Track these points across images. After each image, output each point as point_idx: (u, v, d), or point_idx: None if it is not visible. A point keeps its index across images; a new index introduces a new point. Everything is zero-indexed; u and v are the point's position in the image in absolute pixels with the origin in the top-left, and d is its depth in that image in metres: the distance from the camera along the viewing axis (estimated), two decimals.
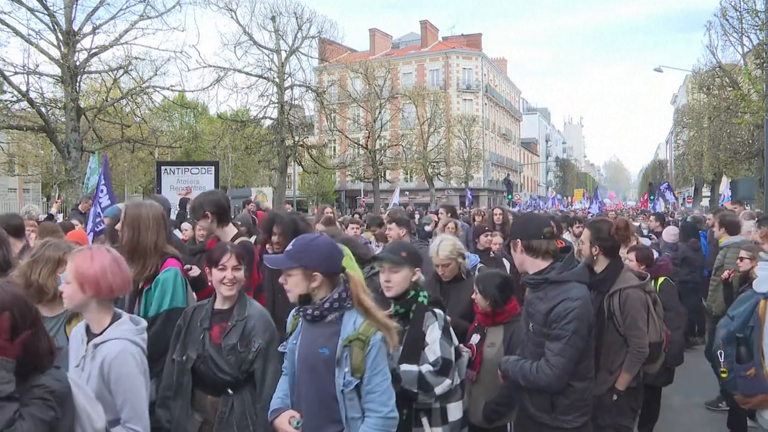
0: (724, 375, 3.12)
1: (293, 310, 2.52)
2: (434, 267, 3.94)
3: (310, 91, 28.77)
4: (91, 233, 6.72)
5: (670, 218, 15.64)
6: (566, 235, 7.12)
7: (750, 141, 26.42)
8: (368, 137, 34.25)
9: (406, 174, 46.05)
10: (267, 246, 4.18)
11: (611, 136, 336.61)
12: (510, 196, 39.96)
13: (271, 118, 27.99)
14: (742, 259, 5.14)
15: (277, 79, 26.68)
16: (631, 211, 27.68)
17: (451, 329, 2.94)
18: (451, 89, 49.13)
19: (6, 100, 16.06)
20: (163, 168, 14.54)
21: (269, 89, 26.62)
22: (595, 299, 3.54)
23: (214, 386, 2.75)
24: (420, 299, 2.91)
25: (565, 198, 49.29)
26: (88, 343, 2.31)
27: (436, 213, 9.09)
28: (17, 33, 15.26)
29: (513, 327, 3.37)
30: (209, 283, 2.96)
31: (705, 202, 36.64)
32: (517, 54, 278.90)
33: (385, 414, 2.28)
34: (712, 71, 26.43)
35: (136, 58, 17.56)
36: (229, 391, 2.74)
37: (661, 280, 4.87)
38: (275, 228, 4.05)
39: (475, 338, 3.47)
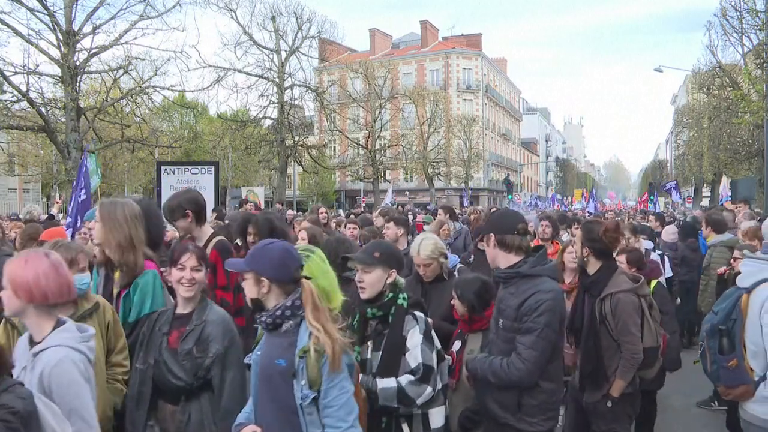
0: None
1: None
2: (415, 266, 3.81)
3: (310, 91, 28.80)
4: (70, 229, 6.56)
5: (670, 218, 15.63)
6: (565, 236, 7.08)
7: (750, 141, 26.42)
8: (368, 137, 34.26)
9: (406, 174, 46.07)
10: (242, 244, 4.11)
11: (611, 136, 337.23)
12: (510, 196, 40.00)
13: (271, 118, 28.02)
14: (735, 259, 5.17)
15: (277, 79, 26.69)
16: (630, 211, 27.71)
17: (433, 333, 2.81)
18: (451, 89, 49.12)
19: (6, 100, 16.07)
20: (163, 168, 14.53)
21: (269, 89, 26.66)
22: (588, 303, 3.51)
23: (170, 393, 2.67)
24: (399, 302, 2.77)
25: (565, 198, 49.25)
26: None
27: (435, 213, 9.08)
28: (17, 33, 15.27)
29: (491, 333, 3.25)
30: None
31: (705, 202, 36.61)
32: (517, 54, 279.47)
33: (344, 430, 2.16)
34: (712, 71, 26.44)
35: (136, 58, 17.60)
36: (183, 398, 2.65)
37: (654, 283, 4.77)
38: (250, 228, 3.97)
39: (456, 345, 3.38)
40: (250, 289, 2.29)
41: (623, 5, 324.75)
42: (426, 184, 39.63)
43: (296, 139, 27.47)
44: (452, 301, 3.42)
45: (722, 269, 5.70)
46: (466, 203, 30.51)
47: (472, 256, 6.15)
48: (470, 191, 40.15)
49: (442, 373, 2.82)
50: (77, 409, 2.03)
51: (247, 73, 26.02)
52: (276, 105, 26.78)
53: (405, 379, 2.63)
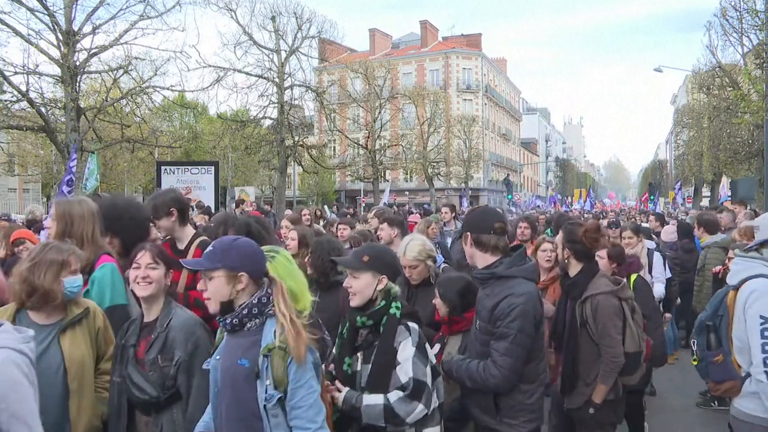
0: (695, 362, 3.20)
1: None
2: (402, 268, 3.66)
3: (310, 91, 28.77)
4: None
5: (669, 218, 15.63)
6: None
7: (750, 141, 26.40)
8: (368, 137, 34.26)
9: (406, 174, 46.09)
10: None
11: (611, 136, 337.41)
12: (510, 196, 40.00)
13: (271, 118, 27.99)
14: (729, 259, 5.18)
15: (277, 79, 26.67)
16: (630, 211, 27.72)
17: (427, 346, 2.62)
18: (451, 89, 49.12)
19: (6, 100, 16.06)
20: (163, 168, 14.58)
21: (269, 89, 26.62)
22: (569, 305, 3.46)
23: (140, 406, 2.57)
24: (392, 311, 2.57)
25: (565, 198, 49.23)
26: None
27: (428, 212, 8.99)
28: (17, 33, 15.26)
29: (470, 336, 3.11)
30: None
31: (705, 202, 36.63)
32: (517, 54, 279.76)
33: (314, 431, 2.09)
34: (712, 71, 26.42)
35: (136, 58, 17.58)
36: (153, 410, 2.54)
37: (633, 277, 4.72)
38: (230, 230, 3.85)
39: (435, 348, 3.23)
40: (220, 290, 2.15)
41: (623, 5, 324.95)
42: (426, 184, 39.63)
43: (296, 139, 27.45)
44: (434, 300, 3.31)
45: (717, 268, 5.72)
46: (465, 203, 30.46)
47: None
48: (470, 191, 40.12)
49: (438, 391, 2.62)
50: (20, 413, 1.83)
51: (247, 73, 26.01)
52: (276, 105, 26.76)
53: (394, 395, 2.44)
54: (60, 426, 2.57)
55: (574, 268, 3.49)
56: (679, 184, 30.45)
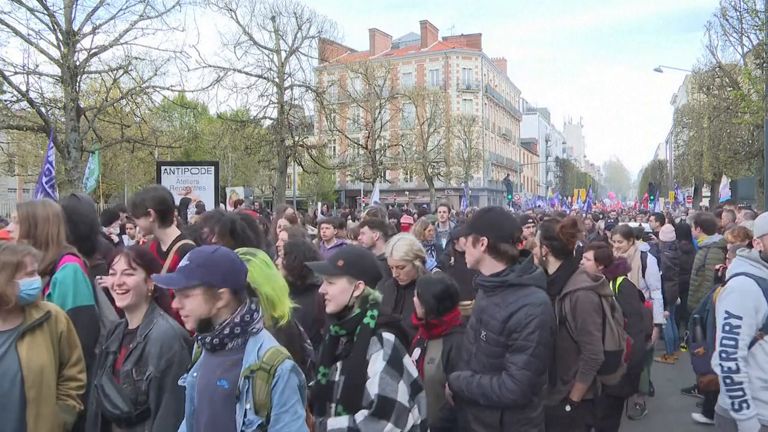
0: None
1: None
2: (390, 269, 3.60)
3: (310, 91, 28.76)
4: None
5: (676, 217, 15.64)
6: None
7: (750, 141, 26.39)
8: (368, 137, 34.25)
9: (406, 174, 46.08)
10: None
11: (611, 136, 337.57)
12: (510, 196, 39.95)
13: (271, 118, 27.99)
14: (728, 258, 5.19)
15: (277, 79, 26.67)
16: (630, 211, 27.72)
17: (405, 359, 2.39)
18: (450, 89, 49.13)
19: (6, 100, 16.06)
20: (163, 168, 14.57)
21: (269, 89, 26.62)
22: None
23: (113, 422, 2.40)
24: (365, 320, 2.38)
25: (565, 198, 49.18)
26: None
27: (423, 212, 8.95)
28: (17, 33, 15.26)
29: (453, 340, 3.00)
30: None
31: (705, 202, 36.61)
32: (517, 54, 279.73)
33: None
34: (712, 71, 26.41)
35: (136, 58, 17.56)
36: (124, 425, 2.38)
37: (620, 279, 4.58)
38: (216, 228, 3.68)
39: (415, 353, 3.09)
40: (199, 308, 1.96)
41: (623, 5, 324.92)
42: (426, 184, 39.63)
43: (296, 139, 27.45)
44: (414, 299, 3.20)
45: (719, 266, 5.70)
46: (464, 204, 30.43)
47: (453, 259, 5.85)
48: (470, 191, 40.13)
49: (420, 407, 2.40)
50: None
51: (247, 73, 26.00)
52: (276, 105, 26.75)
53: (360, 415, 2.26)
54: None
55: (553, 265, 3.46)
56: (676, 184, 30.48)
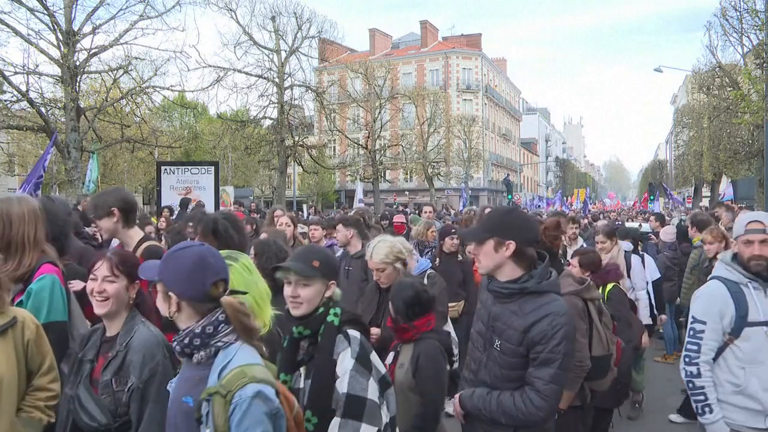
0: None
1: None
2: (371, 271, 3.53)
3: (310, 91, 28.78)
4: None
5: (668, 218, 15.64)
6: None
7: (750, 141, 26.40)
8: (368, 137, 34.26)
9: (406, 174, 46.09)
10: None
11: (611, 136, 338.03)
12: (510, 196, 39.92)
13: (271, 118, 28.00)
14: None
15: (277, 79, 26.68)
16: (629, 211, 27.73)
17: (373, 356, 2.30)
18: (450, 89, 49.14)
19: (6, 100, 16.08)
20: (163, 168, 14.54)
21: (269, 89, 26.64)
22: None
23: None
24: (329, 318, 2.28)
25: (565, 198, 49.13)
26: None
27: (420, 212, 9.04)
28: (17, 33, 15.28)
29: (422, 345, 2.90)
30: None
31: (705, 202, 36.62)
32: (517, 54, 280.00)
33: None
34: (712, 71, 26.42)
35: (136, 58, 17.60)
36: None
37: (609, 286, 4.41)
38: (199, 227, 3.54)
39: (389, 357, 3.01)
40: (160, 305, 1.87)
41: (623, 5, 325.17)
42: (426, 184, 39.64)
43: (296, 139, 27.46)
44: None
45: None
46: (463, 204, 30.39)
47: (437, 260, 5.77)
48: (470, 191, 40.14)
49: (388, 404, 2.31)
50: None
51: (247, 73, 26.02)
52: (276, 105, 26.77)
53: (334, 423, 2.15)
54: None
55: None
56: (668, 190, 30.53)
